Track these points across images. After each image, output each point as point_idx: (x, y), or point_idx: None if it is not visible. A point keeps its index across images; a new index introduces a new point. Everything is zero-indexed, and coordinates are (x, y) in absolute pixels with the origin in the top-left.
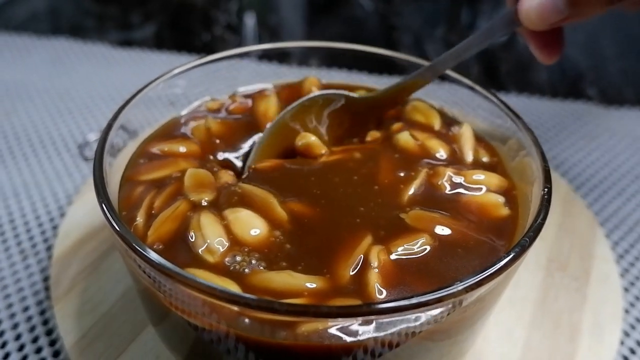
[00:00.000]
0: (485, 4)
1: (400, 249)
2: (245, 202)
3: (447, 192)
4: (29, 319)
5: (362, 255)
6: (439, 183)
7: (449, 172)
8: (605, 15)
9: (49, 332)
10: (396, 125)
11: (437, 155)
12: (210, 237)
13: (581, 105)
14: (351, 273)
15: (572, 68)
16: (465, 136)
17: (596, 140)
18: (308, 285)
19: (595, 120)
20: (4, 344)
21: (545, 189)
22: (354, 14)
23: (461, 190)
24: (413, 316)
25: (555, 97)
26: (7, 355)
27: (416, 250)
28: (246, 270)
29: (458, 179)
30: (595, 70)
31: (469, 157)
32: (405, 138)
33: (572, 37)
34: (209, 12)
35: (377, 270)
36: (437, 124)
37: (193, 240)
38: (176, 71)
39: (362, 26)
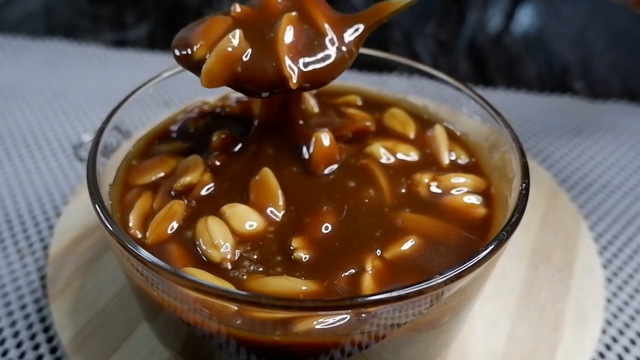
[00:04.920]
0: (475, 0)
1: (391, 251)
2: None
3: (428, 196)
4: (27, 316)
5: (357, 264)
6: (419, 189)
7: (425, 178)
8: (592, 9)
9: (46, 329)
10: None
11: (411, 160)
12: (216, 237)
13: (567, 100)
14: (345, 276)
15: (559, 62)
16: (439, 138)
17: (581, 134)
18: (303, 288)
19: (580, 114)
20: (2, 341)
21: (523, 185)
22: (345, 11)
23: (440, 193)
24: (397, 308)
25: (543, 92)
26: (5, 352)
27: (405, 251)
28: (244, 276)
29: (435, 184)
30: (583, 64)
31: (445, 159)
32: (375, 150)
33: (559, 31)
34: (202, 10)
35: (370, 272)
36: (412, 132)
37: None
38: (169, 73)
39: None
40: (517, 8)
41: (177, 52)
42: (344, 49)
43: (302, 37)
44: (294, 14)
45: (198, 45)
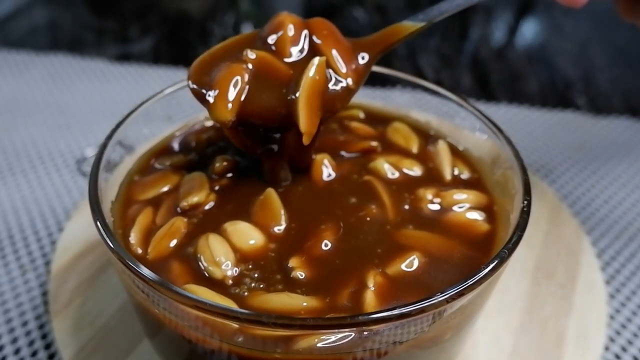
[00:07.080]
0: (477, 15)
1: (394, 267)
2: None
3: (431, 212)
4: (28, 333)
5: (359, 281)
6: (422, 206)
7: (428, 194)
8: (595, 25)
9: (47, 346)
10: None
11: (415, 176)
12: (216, 254)
13: (569, 115)
14: (347, 293)
15: (562, 77)
16: (442, 154)
17: (583, 149)
18: (304, 304)
19: (582, 129)
20: (3, 358)
21: (525, 202)
22: (348, 26)
23: (443, 210)
24: (399, 326)
25: (545, 107)
26: None
27: (408, 267)
28: (245, 293)
29: (438, 200)
30: (585, 80)
31: (448, 174)
32: (379, 166)
33: (562, 47)
34: (206, 25)
35: (373, 289)
36: (415, 147)
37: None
38: (173, 88)
39: (356, 38)
40: (519, 23)
41: (191, 85)
42: (353, 79)
43: (319, 85)
44: (313, 70)
45: (215, 94)
